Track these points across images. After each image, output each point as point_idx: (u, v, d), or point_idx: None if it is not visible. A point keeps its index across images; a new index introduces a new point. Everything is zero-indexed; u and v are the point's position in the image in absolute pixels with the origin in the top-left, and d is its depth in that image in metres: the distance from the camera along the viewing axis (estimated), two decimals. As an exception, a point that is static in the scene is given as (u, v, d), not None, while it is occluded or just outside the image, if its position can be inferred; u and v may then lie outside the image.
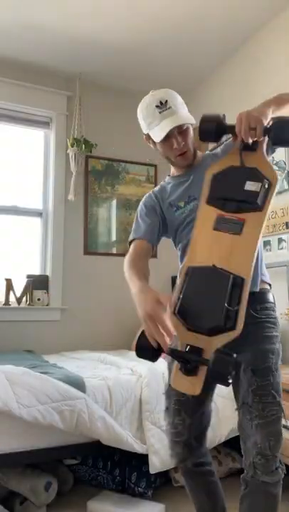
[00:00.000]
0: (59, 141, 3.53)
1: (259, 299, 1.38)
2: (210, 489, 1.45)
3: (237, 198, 1.27)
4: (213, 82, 3.52)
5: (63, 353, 3.08)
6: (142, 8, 2.78)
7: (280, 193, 2.69)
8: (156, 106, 1.38)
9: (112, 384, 2.08)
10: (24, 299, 3.22)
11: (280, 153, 2.69)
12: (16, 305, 3.19)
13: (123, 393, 2.06)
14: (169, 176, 1.60)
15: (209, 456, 1.48)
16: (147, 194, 1.59)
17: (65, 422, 1.85)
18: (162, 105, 1.39)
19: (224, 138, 1.48)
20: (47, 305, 3.31)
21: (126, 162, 3.72)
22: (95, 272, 3.49)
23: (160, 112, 1.38)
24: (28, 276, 3.29)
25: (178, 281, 1.31)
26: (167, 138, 1.39)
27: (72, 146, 3.35)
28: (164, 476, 2.18)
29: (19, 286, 3.22)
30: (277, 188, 2.82)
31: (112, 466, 2.12)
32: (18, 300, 3.19)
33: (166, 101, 1.40)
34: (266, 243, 2.80)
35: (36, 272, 3.44)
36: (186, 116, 1.44)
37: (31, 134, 3.59)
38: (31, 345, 3.20)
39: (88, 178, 3.59)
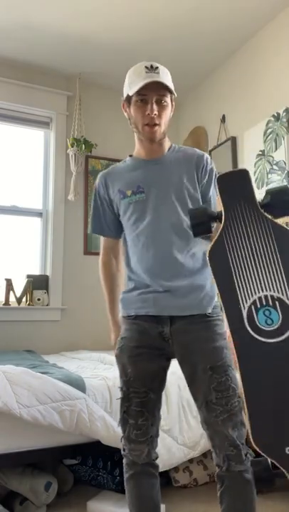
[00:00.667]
0: (59, 141, 3.53)
1: None
2: (155, 488, 1.43)
3: None
4: (213, 82, 3.52)
5: (63, 353, 3.08)
6: (141, 8, 2.78)
7: (280, 193, 2.69)
8: (146, 67, 1.39)
9: (112, 384, 2.08)
10: (24, 299, 3.22)
11: (280, 153, 2.69)
12: (16, 305, 3.19)
13: (123, 393, 2.06)
14: (130, 156, 1.57)
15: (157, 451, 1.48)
16: (98, 178, 1.58)
17: (65, 422, 1.85)
18: (151, 69, 1.39)
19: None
20: (47, 305, 3.31)
21: (126, 162, 3.72)
22: (95, 272, 3.48)
23: (146, 72, 1.38)
24: (28, 276, 3.29)
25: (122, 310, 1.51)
26: (143, 101, 1.39)
27: (72, 146, 3.35)
28: (164, 476, 2.18)
29: (19, 286, 3.23)
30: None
31: (112, 466, 2.12)
32: (18, 300, 3.19)
33: (158, 67, 1.40)
34: (266, 243, 2.80)
35: (36, 272, 3.44)
36: (171, 84, 1.42)
37: (31, 134, 3.59)
38: (31, 345, 3.20)
39: (88, 178, 3.59)
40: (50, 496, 1.89)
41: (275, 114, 2.75)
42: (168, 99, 1.42)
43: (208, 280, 1.43)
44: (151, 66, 1.39)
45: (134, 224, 1.45)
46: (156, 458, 1.44)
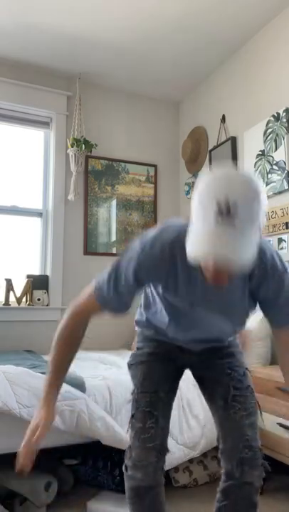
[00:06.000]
0: (59, 141, 3.53)
1: None
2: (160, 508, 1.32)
3: None
4: (213, 82, 3.52)
5: (63, 353, 3.08)
6: (141, 8, 2.78)
7: (280, 193, 2.70)
8: (218, 210, 0.92)
9: (112, 384, 2.08)
10: (24, 299, 3.22)
11: (280, 153, 2.69)
12: (16, 305, 3.19)
13: (123, 393, 2.06)
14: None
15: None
16: (137, 262, 1.13)
17: (65, 422, 1.85)
18: (226, 214, 0.91)
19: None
20: (47, 305, 3.31)
21: (126, 162, 3.72)
22: (94, 272, 3.49)
23: (217, 224, 0.92)
24: (28, 276, 3.29)
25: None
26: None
27: (72, 146, 3.35)
28: (164, 476, 2.17)
29: (19, 286, 3.23)
30: (277, 189, 2.83)
31: (112, 466, 2.12)
32: (18, 300, 3.19)
33: (237, 209, 0.91)
34: (266, 243, 2.80)
35: (36, 272, 3.44)
36: (247, 256, 0.93)
37: (31, 134, 3.59)
38: (31, 345, 3.20)
39: (88, 178, 3.59)
40: (50, 495, 1.89)
41: (275, 114, 2.75)
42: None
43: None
44: (228, 209, 0.91)
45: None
46: (162, 469, 1.30)
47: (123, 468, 1.30)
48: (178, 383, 1.41)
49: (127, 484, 1.30)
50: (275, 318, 1.20)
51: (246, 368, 1.38)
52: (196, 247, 0.94)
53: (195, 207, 0.98)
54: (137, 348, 1.43)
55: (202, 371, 1.40)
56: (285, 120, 2.67)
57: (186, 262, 1.13)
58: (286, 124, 2.66)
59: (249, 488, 1.22)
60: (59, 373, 1.25)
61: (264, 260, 1.14)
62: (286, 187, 2.62)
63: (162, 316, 1.29)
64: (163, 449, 1.28)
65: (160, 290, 1.22)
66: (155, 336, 1.40)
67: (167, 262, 1.13)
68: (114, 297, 1.19)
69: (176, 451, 2.03)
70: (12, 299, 3.19)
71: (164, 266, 1.13)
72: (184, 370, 1.44)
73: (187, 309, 1.21)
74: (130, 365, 1.41)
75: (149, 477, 1.25)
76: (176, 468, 2.17)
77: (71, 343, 1.28)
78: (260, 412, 1.34)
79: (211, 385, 1.35)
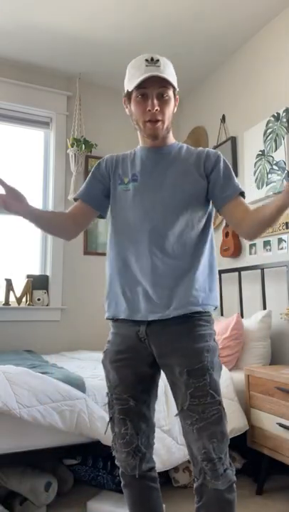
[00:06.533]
0: (59, 141, 3.53)
1: None
2: (152, 498, 1.36)
3: None
4: (213, 82, 3.52)
5: (63, 353, 3.08)
6: (141, 8, 2.78)
7: (280, 192, 2.69)
8: (146, 60, 1.30)
9: (112, 384, 2.08)
10: (24, 299, 3.22)
11: (280, 153, 2.69)
12: (16, 305, 3.19)
13: (123, 393, 2.06)
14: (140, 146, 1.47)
15: (153, 460, 1.39)
16: (102, 159, 1.49)
17: (65, 422, 1.85)
18: (152, 61, 1.29)
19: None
20: (47, 305, 3.31)
21: (126, 162, 3.72)
22: (94, 272, 3.50)
23: (146, 66, 1.29)
24: (28, 276, 3.29)
25: None
26: (143, 97, 1.31)
27: (72, 146, 3.35)
28: (164, 476, 2.18)
29: (19, 286, 3.23)
30: (277, 189, 2.83)
31: (112, 466, 2.12)
32: (18, 300, 3.19)
33: (158, 60, 1.30)
34: (266, 243, 2.80)
35: (36, 272, 3.44)
36: (173, 77, 1.34)
37: (31, 134, 3.59)
38: (31, 345, 3.20)
39: (88, 178, 3.59)
40: (50, 496, 1.89)
41: (275, 114, 2.75)
42: (170, 92, 1.32)
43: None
44: (152, 59, 1.29)
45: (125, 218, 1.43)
46: (151, 469, 1.36)
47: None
48: (153, 382, 1.35)
49: (120, 471, 1.39)
50: (224, 194, 1.34)
51: (208, 370, 1.23)
52: (133, 78, 1.31)
53: (127, 73, 1.35)
54: (108, 341, 1.39)
55: (163, 364, 1.29)
56: (285, 120, 2.67)
57: (134, 151, 1.45)
58: (286, 124, 2.66)
59: (215, 491, 1.20)
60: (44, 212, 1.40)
61: (208, 149, 1.43)
62: (286, 187, 2.62)
63: (115, 246, 1.38)
64: (141, 452, 1.31)
65: (116, 199, 1.41)
66: (118, 298, 1.35)
67: (120, 156, 1.46)
68: (85, 185, 1.46)
69: (176, 451, 2.03)
70: (12, 299, 3.19)
71: (118, 158, 1.46)
72: (155, 369, 1.35)
73: (132, 194, 1.36)
74: (102, 361, 1.38)
75: (133, 472, 1.33)
76: (176, 468, 2.17)
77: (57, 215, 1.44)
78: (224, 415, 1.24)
79: (171, 385, 1.28)
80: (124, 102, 1.39)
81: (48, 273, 3.41)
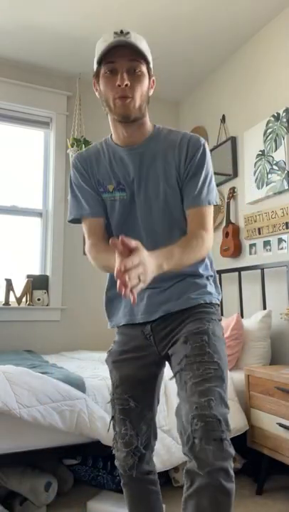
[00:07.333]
0: (59, 141, 3.53)
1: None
2: (152, 499, 1.31)
3: None
4: (213, 82, 3.52)
5: (63, 353, 3.09)
6: (141, 9, 2.78)
7: (280, 193, 2.69)
8: (115, 32, 1.14)
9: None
10: (24, 299, 3.22)
11: (280, 153, 2.69)
12: (16, 305, 3.19)
13: (123, 393, 2.06)
14: (106, 138, 1.33)
15: (154, 463, 1.36)
16: (74, 163, 1.32)
17: (65, 422, 1.85)
18: (121, 34, 1.14)
19: None
20: (47, 305, 3.31)
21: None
22: (94, 272, 3.50)
23: (115, 38, 1.13)
24: (28, 276, 3.29)
25: None
26: (112, 72, 1.16)
27: (72, 146, 3.35)
28: (164, 476, 2.18)
29: (19, 286, 3.23)
30: (277, 189, 2.83)
31: (112, 466, 2.12)
32: (18, 300, 3.19)
33: (129, 32, 1.14)
34: (266, 243, 2.80)
35: (36, 272, 3.44)
36: (147, 51, 1.18)
37: (31, 134, 3.59)
38: (31, 345, 3.20)
39: (88, 178, 3.58)
40: (50, 496, 1.89)
41: (275, 114, 2.75)
42: (143, 68, 1.18)
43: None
44: (122, 31, 1.13)
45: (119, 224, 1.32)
46: (149, 472, 1.32)
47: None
48: (155, 384, 1.32)
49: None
50: (188, 198, 1.23)
51: (208, 335, 1.16)
52: (100, 50, 1.15)
53: (96, 51, 1.18)
54: (114, 341, 1.38)
55: (170, 352, 1.24)
56: (285, 120, 2.67)
57: (107, 147, 1.30)
58: (286, 124, 2.66)
59: (210, 470, 0.95)
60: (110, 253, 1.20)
61: (190, 136, 1.27)
62: (286, 187, 2.62)
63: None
64: (140, 452, 1.28)
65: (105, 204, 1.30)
66: (119, 304, 1.34)
67: (92, 155, 1.31)
68: (82, 201, 1.31)
69: (176, 451, 2.03)
70: (12, 299, 3.19)
71: (92, 158, 1.31)
72: (158, 369, 1.32)
73: (120, 201, 1.26)
74: (106, 360, 1.37)
75: (130, 472, 1.28)
76: (176, 468, 2.16)
77: (107, 248, 1.24)
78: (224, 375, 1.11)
79: (171, 362, 1.22)
80: (93, 84, 1.24)
81: (48, 273, 3.41)
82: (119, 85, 1.14)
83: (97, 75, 1.21)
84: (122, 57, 1.14)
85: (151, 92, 1.24)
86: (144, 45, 1.18)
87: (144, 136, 1.26)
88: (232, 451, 0.99)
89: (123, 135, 1.25)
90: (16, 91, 3.39)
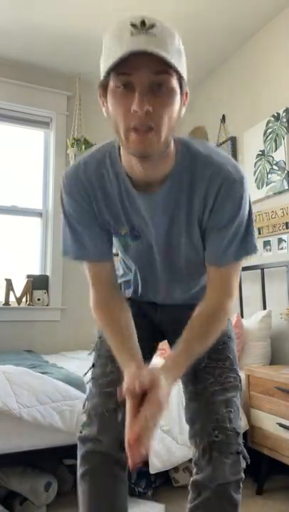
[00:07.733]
0: (59, 141, 3.53)
1: None
2: (119, 492, 1.03)
3: None
4: (213, 82, 3.52)
5: (63, 353, 3.09)
6: (141, 7, 2.78)
7: (280, 193, 2.69)
8: (132, 25, 0.76)
9: (112, 384, 2.08)
10: (24, 299, 3.22)
11: (280, 153, 2.69)
12: (16, 305, 3.19)
13: (123, 393, 2.06)
14: (118, 154, 0.95)
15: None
16: (66, 184, 1.04)
17: (65, 422, 1.85)
18: (142, 27, 0.75)
19: None
20: (47, 305, 3.31)
21: (126, 162, 3.72)
22: (95, 272, 3.49)
23: (132, 35, 0.75)
24: (28, 276, 3.29)
25: None
26: (127, 88, 0.78)
27: (72, 146, 3.35)
28: (164, 476, 2.18)
29: (19, 286, 3.23)
30: (277, 189, 2.83)
31: (112, 466, 2.12)
32: (18, 300, 3.19)
33: (154, 25, 0.76)
34: (266, 243, 2.80)
35: (36, 272, 3.44)
36: (179, 55, 0.82)
37: (31, 134, 3.59)
38: (31, 345, 3.20)
39: (88, 178, 3.59)
40: (50, 496, 1.89)
41: (275, 114, 2.75)
42: (174, 81, 0.80)
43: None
44: (143, 23, 0.75)
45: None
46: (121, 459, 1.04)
47: (77, 437, 1.06)
48: (150, 356, 1.19)
49: (79, 455, 1.04)
50: (213, 255, 0.97)
51: (228, 337, 1.09)
52: (109, 56, 0.76)
53: (103, 48, 0.81)
54: None
55: (175, 332, 1.04)
56: (285, 120, 2.67)
57: (116, 176, 0.96)
58: (286, 124, 2.66)
59: (222, 483, 0.94)
60: (122, 342, 0.98)
61: (224, 174, 0.90)
62: (286, 187, 2.62)
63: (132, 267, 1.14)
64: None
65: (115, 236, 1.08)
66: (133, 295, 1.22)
67: (93, 177, 0.97)
68: (89, 240, 1.08)
69: (176, 451, 2.03)
70: (12, 299, 3.19)
71: (94, 185, 0.98)
72: (157, 339, 1.22)
73: (134, 246, 1.04)
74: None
75: (107, 432, 0.99)
76: (176, 468, 2.16)
77: (113, 321, 1.05)
78: (240, 389, 1.06)
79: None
80: (99, 96, 0.86)
81: (48, 273, 3.41)
82: (135, 111, 0.77)
83: (104, 86, 0.83)
84: (142, 68, 0.76)
85: (183, 112, 0.87)
86: (176, 46, 0.82)
87: (164, 172, 0.92)
88: (244, 461, 0.99)
89: (138, 169, 0.91)
90: (15, 91, 3.39)
